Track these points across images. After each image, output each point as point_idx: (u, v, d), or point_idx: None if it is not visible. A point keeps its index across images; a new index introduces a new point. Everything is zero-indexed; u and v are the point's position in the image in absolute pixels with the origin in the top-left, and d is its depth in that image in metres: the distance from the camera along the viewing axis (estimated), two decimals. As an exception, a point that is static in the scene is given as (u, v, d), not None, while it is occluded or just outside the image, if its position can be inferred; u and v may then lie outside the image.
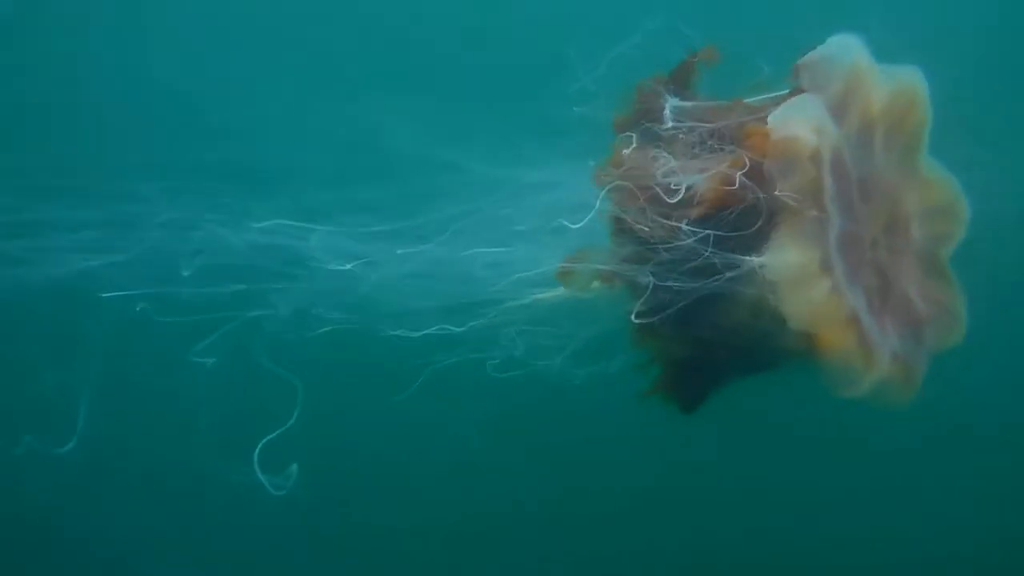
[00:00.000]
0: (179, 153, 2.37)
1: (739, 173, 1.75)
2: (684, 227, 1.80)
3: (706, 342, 2.00)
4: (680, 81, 2.03)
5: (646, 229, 1.86)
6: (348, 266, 1.90)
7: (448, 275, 1.99)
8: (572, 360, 2.13)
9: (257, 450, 1.85)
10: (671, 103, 1.86)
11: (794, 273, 1.76)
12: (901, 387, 2.01)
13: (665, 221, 1.83)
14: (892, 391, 1.98)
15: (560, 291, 2.10)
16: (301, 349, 2.10)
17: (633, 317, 1.93)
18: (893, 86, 2.02)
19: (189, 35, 2.83)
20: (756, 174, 1.78)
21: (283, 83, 2.78)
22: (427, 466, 2.74)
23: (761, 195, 1.77)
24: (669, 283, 1.87)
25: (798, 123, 1.75)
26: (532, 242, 1.95)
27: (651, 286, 1.89)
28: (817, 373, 1.98)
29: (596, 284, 2.06)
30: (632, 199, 1.88)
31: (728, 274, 1.83)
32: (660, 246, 1.85)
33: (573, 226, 1.79)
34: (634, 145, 1.89)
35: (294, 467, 1.84)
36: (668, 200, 1.84)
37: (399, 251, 1.89)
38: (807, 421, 2.57)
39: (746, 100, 1.98)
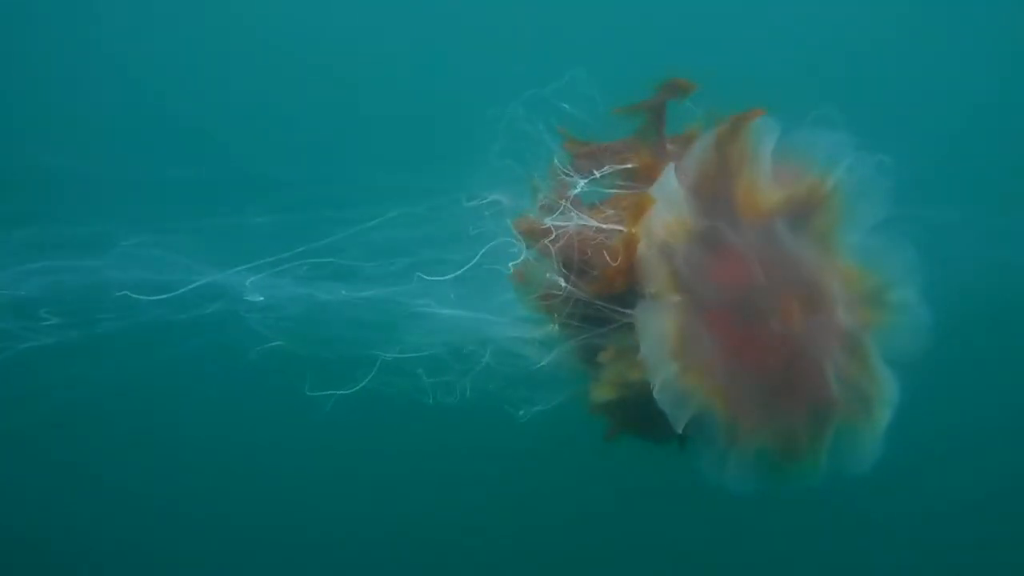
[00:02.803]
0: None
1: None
2: (561, 280, 1.99)
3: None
4: (655, 112, 2.20)
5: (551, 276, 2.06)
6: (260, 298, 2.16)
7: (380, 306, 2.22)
8: (511, 388, 2.30)
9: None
10: (579, 181, 2.05)
11: (656, 345, 1.91)
12: (782, 455, 2.10)
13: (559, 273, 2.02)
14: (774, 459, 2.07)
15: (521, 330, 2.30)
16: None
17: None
18: (809, 179, 2.11)
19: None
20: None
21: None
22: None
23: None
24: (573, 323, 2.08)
25: (657, 224, 1.91)
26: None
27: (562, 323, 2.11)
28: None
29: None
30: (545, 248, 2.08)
31: (609, 327, 2.00)
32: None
33: (439, 277, 2.00)
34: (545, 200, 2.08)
35: None
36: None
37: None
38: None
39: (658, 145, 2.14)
